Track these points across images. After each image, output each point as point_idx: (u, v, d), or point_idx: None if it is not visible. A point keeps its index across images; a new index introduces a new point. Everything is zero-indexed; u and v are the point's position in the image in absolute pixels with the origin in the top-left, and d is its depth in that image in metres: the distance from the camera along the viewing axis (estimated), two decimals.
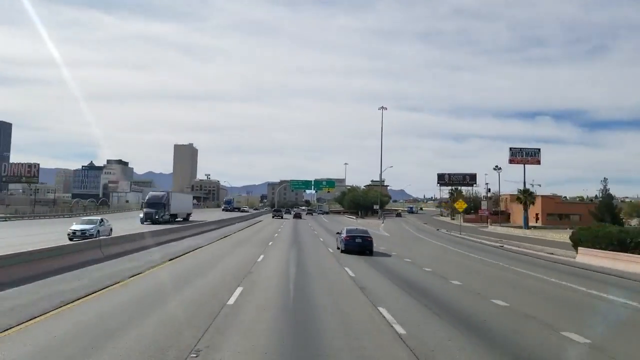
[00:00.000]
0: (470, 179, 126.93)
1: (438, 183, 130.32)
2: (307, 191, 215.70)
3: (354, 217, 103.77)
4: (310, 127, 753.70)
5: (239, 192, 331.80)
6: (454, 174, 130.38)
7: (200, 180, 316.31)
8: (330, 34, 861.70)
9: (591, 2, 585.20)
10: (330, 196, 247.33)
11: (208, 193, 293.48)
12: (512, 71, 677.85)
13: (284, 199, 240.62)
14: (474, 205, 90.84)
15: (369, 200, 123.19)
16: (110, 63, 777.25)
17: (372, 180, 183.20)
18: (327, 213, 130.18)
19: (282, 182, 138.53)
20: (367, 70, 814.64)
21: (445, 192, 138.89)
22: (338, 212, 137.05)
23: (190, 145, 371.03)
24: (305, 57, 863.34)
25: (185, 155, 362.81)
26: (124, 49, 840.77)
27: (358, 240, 26.17)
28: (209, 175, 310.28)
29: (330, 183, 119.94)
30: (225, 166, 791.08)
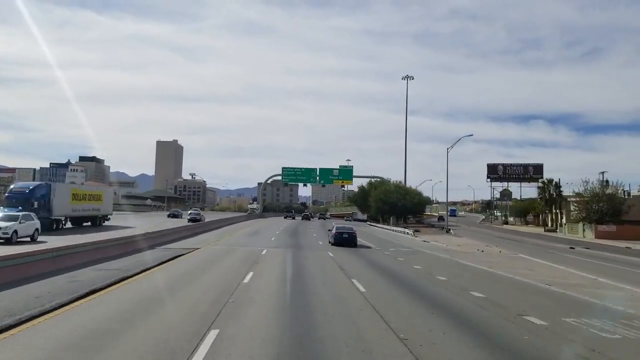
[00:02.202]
0: (534, 171, 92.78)
1: (488, 177, 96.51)
2: (304, 189, 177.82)
3: (409, 231, 53.43)
4: (306, 129, 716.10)
5: (230, 195, 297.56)
6: (511, 165, 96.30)
7: (185, 179, 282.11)
8: (325, 35, 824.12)
9: (588, 5, 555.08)
10: (332, 194, 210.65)
11: (193, 194, 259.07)
12: (509, 73, 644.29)
13: (277, 200, 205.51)
14: (606, 209, 54.51)
15: (411, 200, 78.20)
16: (104, 64, 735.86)
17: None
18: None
19: (273, 176, 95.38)
20: (363, 71, 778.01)
21: (489, 191, 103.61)
22: (362, 220, 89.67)
23: (174, 142, 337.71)
24: (299, 58, 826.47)
25: (169, 153, 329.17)
26: (117, 49, 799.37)
27: (345, 235, 30.47)
28: (194, 174, 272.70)
29: (346, 173, 75.18)
30: (223, 169, 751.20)
